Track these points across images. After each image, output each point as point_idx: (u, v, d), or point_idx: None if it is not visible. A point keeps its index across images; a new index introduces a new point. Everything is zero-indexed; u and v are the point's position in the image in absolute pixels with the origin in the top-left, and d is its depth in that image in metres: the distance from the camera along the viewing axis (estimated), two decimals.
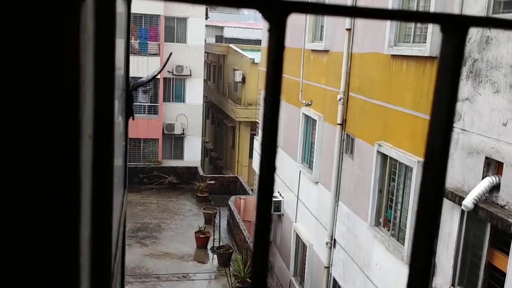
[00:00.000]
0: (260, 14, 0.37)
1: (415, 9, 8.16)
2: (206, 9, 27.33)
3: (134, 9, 24.67)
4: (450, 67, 0.43)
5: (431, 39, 7.41)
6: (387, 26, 8.68)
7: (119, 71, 1.48)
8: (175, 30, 26.41)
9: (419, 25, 8.13)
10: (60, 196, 0.55)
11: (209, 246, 17.48)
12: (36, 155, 0.53)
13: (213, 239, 17.28)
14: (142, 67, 24.91)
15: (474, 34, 6.56)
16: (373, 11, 0.41)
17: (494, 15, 6.33)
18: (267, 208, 0.42)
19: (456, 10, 6.88)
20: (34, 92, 0.52)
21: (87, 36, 0.59)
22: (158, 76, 25.10)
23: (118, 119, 1.50)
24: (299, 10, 0.37)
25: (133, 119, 1.79)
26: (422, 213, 0.47)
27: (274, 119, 0.38)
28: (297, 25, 13.42)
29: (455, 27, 0.43)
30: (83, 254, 0.61)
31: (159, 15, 25.59)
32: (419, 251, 0.46)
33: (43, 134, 0.53)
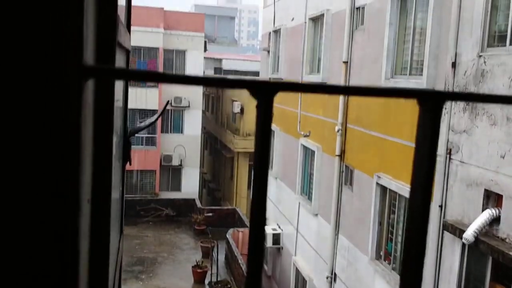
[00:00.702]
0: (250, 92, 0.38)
1: (410, 43, 8.27)
2: (205, 41, 27.74)
3: (134, 42, 25.03)
4: (428, 137, 0.47)
5: (428, 72, 7.48)
6: (384, 59, 8.78)
7: (117, 120, 1.50)
8: (174, 63, 26.72)
9: (415, 58, 8.22)
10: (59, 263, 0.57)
11: (206, 281, 17.20)
12: (36, 226, 0.56)
13: (211, 274, 17.02)
14: (141, 98, 25.09)
15: (470, 67, 6.63)
16: (353, 89, 0.45)
17: (489, 48, 6.41)
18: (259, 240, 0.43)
19: (451, 44, 6.97)
20: (36, 170, 0.56)
21: (87, 111, 0.64)
22: (157, 108, 25.24)
23: (115, 166, 1.50)
24: (284, 89, 0.39)
25: (130, 164, 1.78)
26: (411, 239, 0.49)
27: (262, 192, 0.37)
28: (295, 57, 13.59)
29: (431, 102, 0.46)
30: None
31: (158, 48, 25.93)
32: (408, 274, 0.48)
33: (42, 204, 0.56)
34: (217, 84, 0.39)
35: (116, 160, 1.49)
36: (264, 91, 0.38)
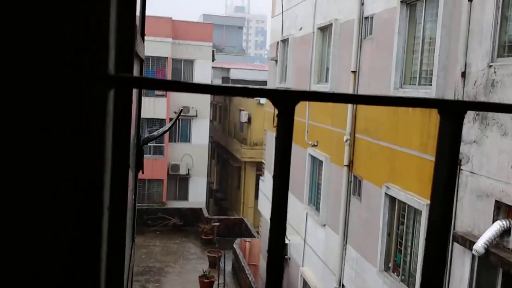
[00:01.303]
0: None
1: (419, 53, 8.24)
2: (213, 51, 27.87)
3: None
4: (447, 147, 0.46)
5: (437, 82, 7.44)
6: (392, 69, 8.76)
7: (131, 129, 1.51)
8: (182, 72, 26.84)
9: (424, 67, 8.19)
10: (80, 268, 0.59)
11: None
12: (63, 233, 0.58)
13: (218, 284, 16.93)
14: (149, 108, 25.20)
15: (480, 77, 6.58)
16: (373, 98, 0.44)
17: (498, 58, 6.37)
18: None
19: (460, 53, 6.93)
20: (62, 179, 0.57)
21: (108, 120, 0.64)
22: (165, 117, 25.33)
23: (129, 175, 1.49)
24: (305, 99, 0.38)
25: (142, 173, 1.77)
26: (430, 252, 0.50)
27: (283, 205, 0.36)
28: (303, 66, 13.59)
29: (452, 111, 0.46)
30: None
31: (167, 57, 26.08)
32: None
33: (69, 212, 0.58)
34: (238, 93, 0.39)
35: (130, 168, 1.49)
36: (286, 100, 0.39)
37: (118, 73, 0.69)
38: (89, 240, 0.59)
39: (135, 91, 1.47)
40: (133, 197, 1.77)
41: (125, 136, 0.86)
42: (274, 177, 0.39)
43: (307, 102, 12.98)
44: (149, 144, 26.22)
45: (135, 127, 1.71)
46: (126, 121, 0.86)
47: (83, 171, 0.57)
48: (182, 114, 26.46)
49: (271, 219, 0.39)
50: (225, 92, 0.38)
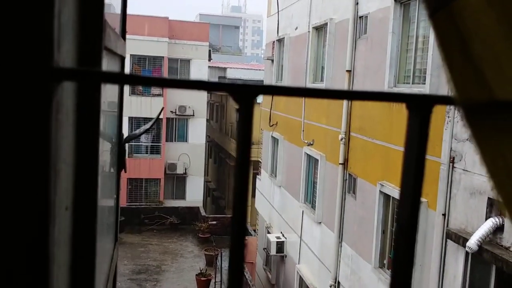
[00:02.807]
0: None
1: (413, 52, 8.30)
2: (209, 50, 27.85)
3: (138, 51, 25.20)
4: (416, 142, 0.45)
5: (431, 80, 7.50)
6: (387, 67, 8.81)
7: (111, 127, 1.51)
8: (178, 71, 26.81)
9: (418, 66, 8.25)
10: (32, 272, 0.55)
11: None
12: (4, 236, 0.54)
13: (215, 282, 16.96)
14: (146, 107, 25.18)
15: None
16: (337, 93, 0.44)
17: None
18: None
19: None
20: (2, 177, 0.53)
21: (63, 116, 0.60)
22: (162, 116, 25.31)
23: (111, 172, 1.51)
24: (264, 93, 0.39)
25: (125, 171, 1.79)
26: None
27: (244, 193, 0.39)
28: (299, 66, 13.64)
29: (419, 106, 0.45)
30: None
31: (163, 57, 26.05)
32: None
33: (11, 211, 0.54)
34: (197, 87, 0.39)
35: (110, 167, 1.49)
36: (245, 94, 0.38)
37: (81, 67, 0.67)
38: (34, 241, 0.55)
39: (112, 87, 1.48)
40: (116, 196, 1.78)
41: (93, 133, 0.82)
42: (234, 174, 0.41)
43: (303, 102, 13.03)
44: (146, 144, 26.21)
45: (117, 125, 1.72)
46: (93, 117, 0.81)
47: (24, 168, 0.53)
48: (178, 113, 26.46)
49: (232, 210, 0.42)
50: (182, 86, 0.38)
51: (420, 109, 0.46)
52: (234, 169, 0.40)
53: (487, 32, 0.35)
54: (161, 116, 25.29)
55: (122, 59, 1.79)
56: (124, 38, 1.88)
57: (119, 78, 0.48)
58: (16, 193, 0.54)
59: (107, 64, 1.24)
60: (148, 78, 0.41)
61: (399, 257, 0.47)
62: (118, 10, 1.89)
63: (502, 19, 0.34)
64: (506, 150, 0.37)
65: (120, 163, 1.74)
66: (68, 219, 0.67)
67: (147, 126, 3.13)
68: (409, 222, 0.47)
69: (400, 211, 0.48)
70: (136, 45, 24.23)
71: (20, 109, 0.52)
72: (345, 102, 10.47)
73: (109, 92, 1.36)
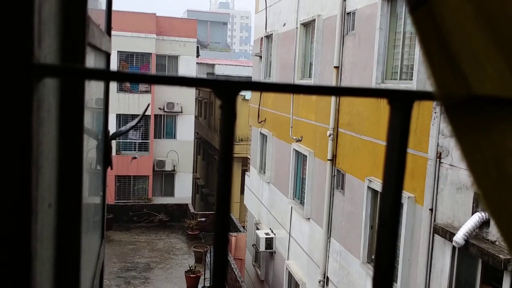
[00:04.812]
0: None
1: (401, 48, 8.35)
2: (197, 47, 27.76)
3: (126, 47, 25.04)
4: (397, 136, 0.46)
5: (418, 77, 7.55)
6: (374, 64, 8.85)
7: (97, 124, 1.49)
8: (166, 68, 26.70)
9: (405, 62, 8.30)
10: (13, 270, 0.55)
11: (199, 286, 17.15)
12: None
13: (204, 279, 16.97)
14: (133, 104, 25.05)
15: None
16: (323, 89, 0.44)
17: None
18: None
19: None
20: None
21: (44, 113, 0.60)
22: (150, 113, 25.20)
23: (96, 169, 1.50)
24: (246, 88, 0.39)
25: (111, 168, 1.78)
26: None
27: (227, 188, 0.39)
28: (287, 62, 13.65)
29: (401, 101, 0.46)
30: None
31: (151, 53, 25.91)
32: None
33: None
34: (179, 83, 0.38)
35: (95, 164, 1.48)
36: (227, 90, 0.38)
37: (63, 64, 0.67)
38: (16, 236, 0.55)
39: (97, 84, 1.47)
40: (102, 193, 1.77)
41: (76, 130, 0.81)
42: (218, 169, 0.41)
43: (291, 98, 13.05)
44: (134, 141, 26.08)
45: (103, 121, 1.72)
46: (76, 113, 0.81)
47: (5, 164, 0.53)
48: (167, 110, 26.35)
49: (216, 204, 0.42)
50: (163, 82, 0.38)
51: (401, 104, 0.47)
52: (218, 165, 0.41)
53: (464, 29, 0.36)
54: (149, 113, 25.19)
55: (107, 55, 1.77)
56: (109, 34, 1.87)
57: (101, 75, 0.48)
58: None
59: (92, 61, 1.23)
60: (130, 74, 0.41)
61: (381, 249, 0.47)
62: (103, 6, 1.88)
63: (479, 15, 0.34)
64: (484, 145, 0.38)
65: (106, 160, 1.73)
66: (51, 216, 0.67)
67: (133, 122, 3.12)
68: (391, 214, 0.47)
69: (382, 204, 0.48)
70: (124, 41, 24.07)
71: None
72: (333, 98, 10.51)
73: (94, 88, 1.35)
